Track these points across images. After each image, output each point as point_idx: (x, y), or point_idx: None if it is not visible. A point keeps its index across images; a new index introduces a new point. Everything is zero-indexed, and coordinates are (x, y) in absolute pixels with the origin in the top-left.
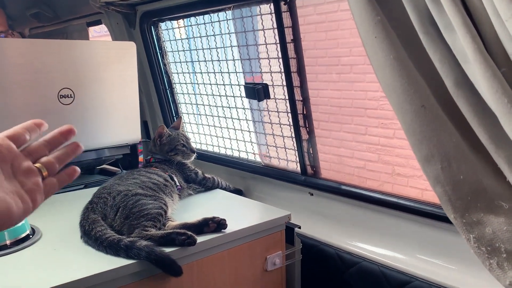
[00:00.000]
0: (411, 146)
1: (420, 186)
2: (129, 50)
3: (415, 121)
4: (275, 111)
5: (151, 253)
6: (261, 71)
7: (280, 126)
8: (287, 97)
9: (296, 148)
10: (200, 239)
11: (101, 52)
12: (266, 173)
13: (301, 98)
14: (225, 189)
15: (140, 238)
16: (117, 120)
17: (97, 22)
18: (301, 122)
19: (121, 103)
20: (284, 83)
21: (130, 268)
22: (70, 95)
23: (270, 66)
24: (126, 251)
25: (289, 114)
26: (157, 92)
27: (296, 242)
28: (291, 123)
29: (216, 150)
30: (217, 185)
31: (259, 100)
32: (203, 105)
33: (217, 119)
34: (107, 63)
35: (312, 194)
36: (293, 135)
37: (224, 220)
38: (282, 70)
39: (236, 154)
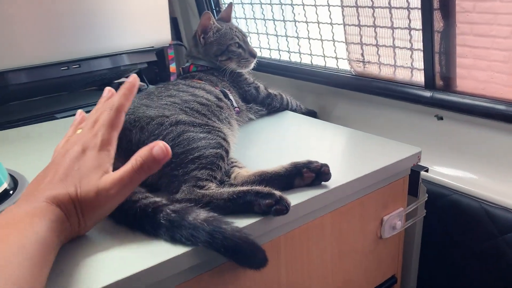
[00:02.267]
0: None
1: None
2: None
3: None
4: None
5: (216, 236)
6: None
7: (390, 12)
8: None
9: (419, 47)
10: (291, 199)
11: None
12: (360, 86)
13: None
14: (295, 110)
15: (192, 203)
16: (137, 14)
17: None
18: (435, 3)
19: None
20: None
21: (179, 264)
22: None
23: None
24: (171, 231)
25: None
26: None
27: (420, 192)
28: (412, 5)
29: (275, 55)
30: (285, 106)
31: None
32: None
33: (279, 8)
34: None
35: (441, 118)
36: (411, 25)
37: (327, 166)
38: None
39: (306, 59)
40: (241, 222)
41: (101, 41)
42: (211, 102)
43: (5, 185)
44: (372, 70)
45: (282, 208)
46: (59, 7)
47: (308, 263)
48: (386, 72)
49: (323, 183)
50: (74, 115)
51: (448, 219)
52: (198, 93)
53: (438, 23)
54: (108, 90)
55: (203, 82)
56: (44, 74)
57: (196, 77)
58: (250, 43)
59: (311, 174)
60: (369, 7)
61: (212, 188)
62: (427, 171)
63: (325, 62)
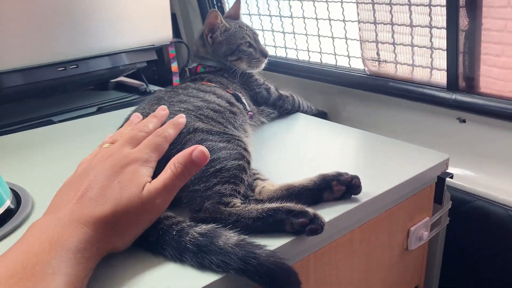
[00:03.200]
0: None
1: None
2: None
3: None
4: None
5: (250, 262)
6: None
7: (409, 8)
8: None
9: (440, 46)
10: (322, 214)
11: None
12: (375, 86)
13: None
14: (306, 112)
15: (218, 222)
16: (137, 11)
17: None
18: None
19: None
20: None
21: None
22: None
23: None
24: (199, 257)
25: None
26: None
27: (445, 199)
28: (434, 3)
29: (281, 53)
30: (297, 108)
31: None
32: None
33: (287, 4)
34: None
35: (464, 121)
36: (431, 23)
37: (357, 178)
38: None
39: (315, 58)
40: (271, 243)
41: (100, 40)
42: (223, 108)
43: (7, 203)
44: (388, 69)
45: (317, 227)
46: (54, 5)
47: (336, 279)
48: (402, 72)
49: (353, 196)
50: (71, 118)
51: (472, 226)
52: (210, 98)
53: (463, 21)
54: (136, 115)
55: (213, 84)
56: (40, 75)
57: (205, 79)
58: (260, 42)
59: (341, 187)
60: (386, 3)
61: (238, 205)
62: (452, 177)
63: (336, 60)
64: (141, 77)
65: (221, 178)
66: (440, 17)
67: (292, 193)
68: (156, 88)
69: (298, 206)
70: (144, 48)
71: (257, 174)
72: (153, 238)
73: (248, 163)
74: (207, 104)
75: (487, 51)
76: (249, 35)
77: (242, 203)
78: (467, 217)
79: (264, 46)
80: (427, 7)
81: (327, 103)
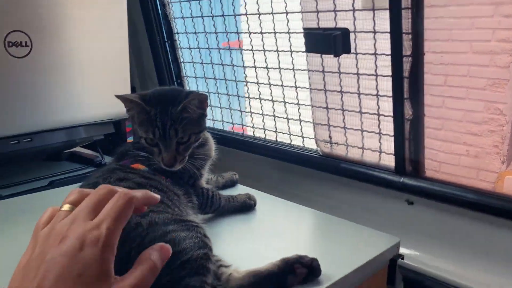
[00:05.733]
0: None
1: None
2: None
3: None
4: (353, 74)
5: None
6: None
7: (359, 97)
8: (378, 51)
9: (391, 132)
10: None
11: None
12: (327, 167)
13: (409, 52)
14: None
15: None
16: (96, 85)
17: None
18: (406, 91)
19: (102, 59)
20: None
21: None
22: (25, 42)
23: None
24: None
25: (378, 79)
26: (152, 44)
27: (397, 281)
28: (381, 94)
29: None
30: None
31: (337, 54)
32: (222, 64)
33: (245, 87)
34: None
35: (412, 203)
36: (379, 111)
37: (316, 260)
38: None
39: (271, 136)
40: None
41: (56, 114)
42: (165, 187)
43: None
44: (340, 151)
45: None
46: (4, 74)
47: None
48: (353, 153)
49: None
50: (20, 192)
51: None
52: (148, 175)
53: (408, 111)
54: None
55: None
56: None
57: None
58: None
59: (303, 269)
60: (338, 91)
61: None
62: (402, 258)
63: (291, 140)
64: (96, 148)
65: (190, 270)
66: (387, 103)
67: (259, 279)
68: None
69: None
70: (102, 121)
71: (219, 261)
72: None
73: (211, 250)
74: (148, 181)
75: (430, 137)
76: (155, 132)
77: None
78: None
79: (172, 154)
80: (375, 96)
81: (283, 181)
